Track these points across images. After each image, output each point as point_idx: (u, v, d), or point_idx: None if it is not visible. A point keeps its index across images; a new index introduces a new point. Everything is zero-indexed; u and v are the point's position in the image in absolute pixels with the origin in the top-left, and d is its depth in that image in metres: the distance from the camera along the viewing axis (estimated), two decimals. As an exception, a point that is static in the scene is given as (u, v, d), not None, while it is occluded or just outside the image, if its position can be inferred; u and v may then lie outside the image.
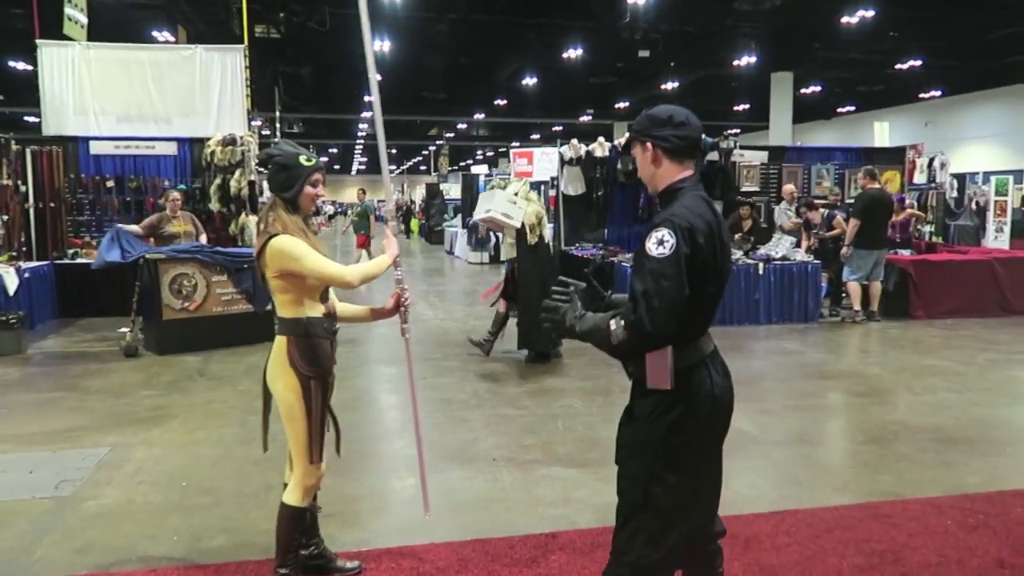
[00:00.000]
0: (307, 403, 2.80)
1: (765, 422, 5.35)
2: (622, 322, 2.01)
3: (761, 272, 9.17)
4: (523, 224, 7.08)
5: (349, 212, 18.61)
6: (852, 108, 28.61)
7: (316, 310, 2.84)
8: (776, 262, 9.31)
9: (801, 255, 9.54)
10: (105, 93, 10.79)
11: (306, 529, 3.08)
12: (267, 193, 7.97)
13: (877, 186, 9.41)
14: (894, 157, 12.64)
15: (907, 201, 11.83)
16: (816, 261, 9.51)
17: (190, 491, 4.10)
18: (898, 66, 21.00)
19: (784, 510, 3.82)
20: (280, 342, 2.82)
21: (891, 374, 6.83)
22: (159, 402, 5.87)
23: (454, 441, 4.96)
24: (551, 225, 13.69)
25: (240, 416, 5.47)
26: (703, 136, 2.20)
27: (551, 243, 7.55)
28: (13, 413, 5.61)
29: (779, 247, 9.63)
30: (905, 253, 10.06)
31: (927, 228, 12.98)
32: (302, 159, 2.84)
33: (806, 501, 3.95)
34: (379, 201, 45.81)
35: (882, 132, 15.43)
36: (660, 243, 1.98)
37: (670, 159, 2.16)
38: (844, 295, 9.72)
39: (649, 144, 2.17)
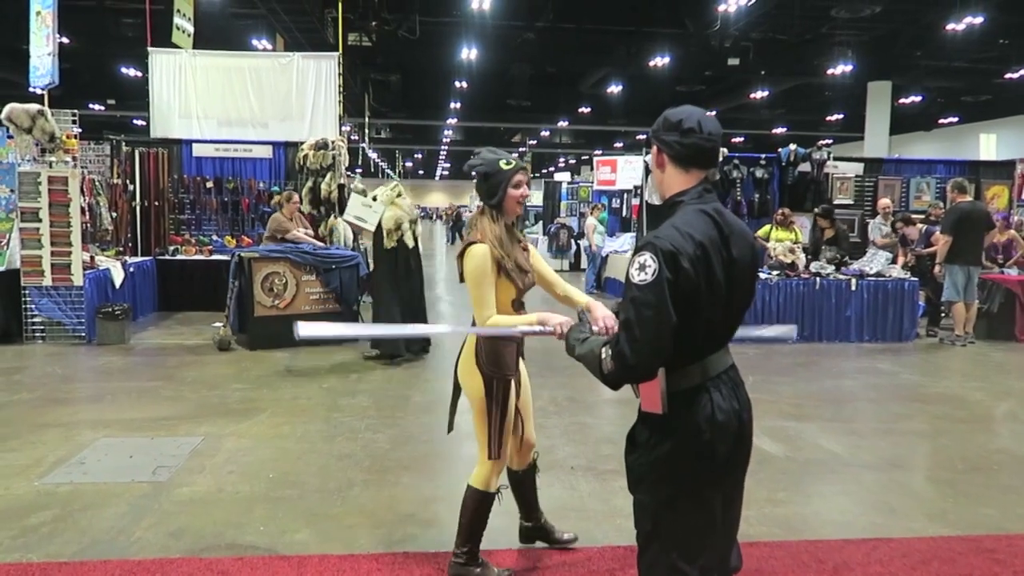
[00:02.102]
0: (488, 401, 2.91)
1: (855, 444, 5.13)
2: (610, 351, 1.91)
3: (854, 288, 8.82)
4: (380, 227, 7.31)
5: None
6: (955, 119, 27.28)
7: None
8: (870, 278, 8.93)
9: (897, 271, 9.12)
10: (208, 98, 11.33)
11: (531, 508, 3.35)
12: (353, 197, 8.22)
13: (968, 199, 8.91)
14: (1002, 171, 11.94)
15: (1014, 219, 11.15)
16: (913, 279, 9.07)
17: (276, 483, 4.23)
18: (1008, 75, 19.89)
19: (877, 538, 3.64)
20: (470, 340, 2.95)
21: (995, 400, 6.44)
22: (248, 395, 6.09)
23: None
24: (602, 234, 13.58)
25: (325, 413, 5.62)
26: (719, 145, 2.05)
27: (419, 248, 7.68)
28: (116, 399, 5.93)
29: (873, 263, 9.22)
30: (1012, 273, 9.49)
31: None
32: (502, 163, 2.88)
33: (900, 530, 3.76)
34: (462, 206, 46.13)
35: (988, 144, 14.62)
36: (642, 269, 1.85)
37: (674, 166, 2.04)
38: (944, 314, 9.24)
39: (656, 147, 2.08)
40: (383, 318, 7.40)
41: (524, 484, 3.31)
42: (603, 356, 1.93)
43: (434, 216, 58.65)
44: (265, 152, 11.04)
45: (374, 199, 7.63)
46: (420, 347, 7.74)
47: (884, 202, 10.53)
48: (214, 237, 10.77)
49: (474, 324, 2.89)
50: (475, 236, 2.84)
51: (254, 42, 17.43)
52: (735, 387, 2.06)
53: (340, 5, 12.30)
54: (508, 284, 2.85)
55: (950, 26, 15.48)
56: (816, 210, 9.86)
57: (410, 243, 7.46)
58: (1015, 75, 19.67)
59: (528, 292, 3.01)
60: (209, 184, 10.86)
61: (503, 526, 3.67)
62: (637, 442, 2.07)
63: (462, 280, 2.90)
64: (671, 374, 1.95)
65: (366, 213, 7.56)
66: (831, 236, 9.51)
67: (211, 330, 8.31)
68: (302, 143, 10.60)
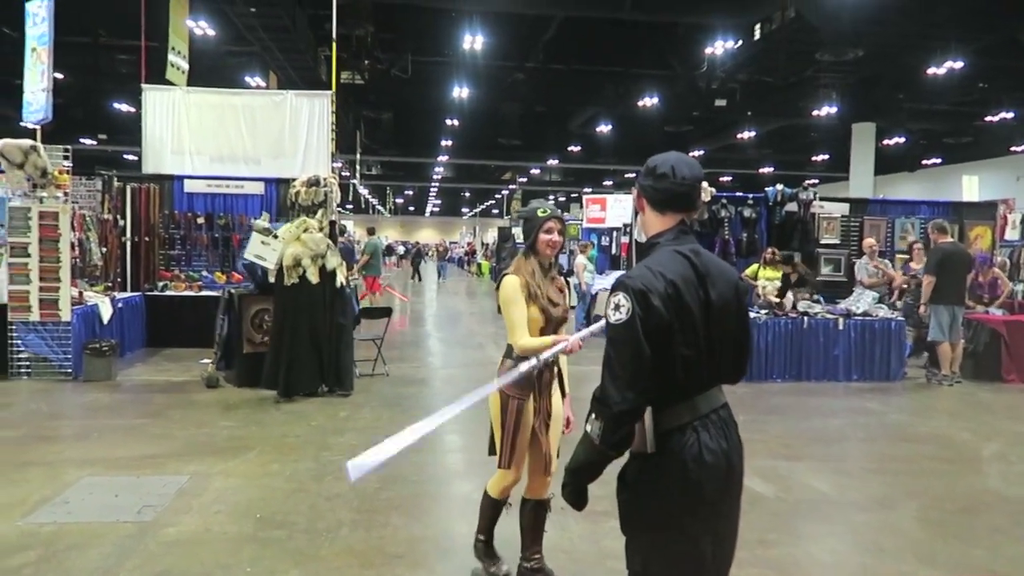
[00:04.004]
0: (503, 417, 3.26)
1: (844, 484, 5.13)
2: (592, 415, 1.96)
3: (841, 327, 8.88)
4: (281, 264, 7.27)
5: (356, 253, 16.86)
6: (938, 160, 27.77)
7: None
8: (857, 317, 9.01)
9: (884, 311, 9.20)
10: (201, 135, 11.38)
11: (528, 544, 3.46)
12: (347, 232, 8.20)
13: (950, 240, 9.05)
14: (984, 212, 12.11)
15: (998, 259, 11.30)
16: (900, 318, 9.15)
17: (264, 523, 4.18)
18: (988, 118, 20.34)
19: (867, 580, 3.64)
20: (499, 362, 3.33)
21: (983, 440, 6.47)
22: (237, 433, 6.04)
23: (521, 487, 4.91)
24: (592, 272, 13.60)
25: (314, 451, 5.57)
26: (695, 190, 2.12)
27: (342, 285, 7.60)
28: (102, 437, 5.86)
29: (860, 302, 9.31)
30: (997, 313, 9.60)
31: (1021, 287, 12.34)
32: (539, 211, 3.27)
33: (890, 571, 3.76)
34: (452, 242, 46.13)
35: (971, 186, 14.86)
36: (616, 309, 1.94)
37: (651, 208, 2.15)
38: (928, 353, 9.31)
39: (636, 191, 2.20)
40: (282, 353, 7.24)
41: (530, 516, 3.43)
42: (588, 429, 1.98)
43: (427, 253, 56.78)
44: (257, 188, 11.07)
45: (274, 237, 7.55)
46: (332, 388, 7.54)
47: (869, 241, 10.65)
48: (204, 273, 10.75)
49: (508, 355, 3.28)
50: (510, 269, 3.25)
51: (247, 79, 17.61)
52: (725, 426, 2.07)
53: (334, 44, 12.46)
54: (537, 313, 3.19)
55: (931, 70, 15.87)
56: (776, 258, 9.84)
57: (313, 279, 7.30)
58: (995, 118, 20.11)
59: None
60: (200, 220, 10.87)
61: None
62: (627, 481, 2.09)
63: (499, 309, 3.32)
64: (658, 413, 1.98)
65: (265, 251, 7.51)
66: (796, 279, 9.59)
67: (199, 367, 8.27)
68: (294, 180, 10.64)
